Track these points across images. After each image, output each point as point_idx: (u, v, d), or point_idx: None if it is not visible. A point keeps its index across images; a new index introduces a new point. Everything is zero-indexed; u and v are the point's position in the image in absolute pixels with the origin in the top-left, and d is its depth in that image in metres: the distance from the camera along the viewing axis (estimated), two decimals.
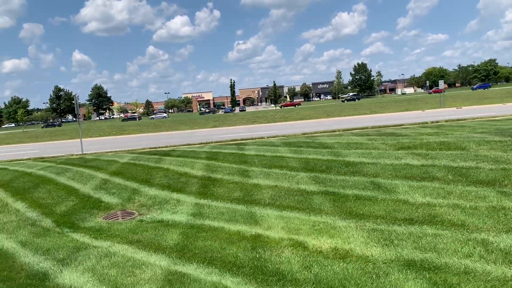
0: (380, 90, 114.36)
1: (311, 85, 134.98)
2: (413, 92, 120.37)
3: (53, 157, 15.70)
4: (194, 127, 32.01)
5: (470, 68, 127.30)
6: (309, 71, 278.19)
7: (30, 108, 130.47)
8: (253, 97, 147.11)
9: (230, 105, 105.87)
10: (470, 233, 4.75)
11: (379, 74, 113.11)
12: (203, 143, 15.80)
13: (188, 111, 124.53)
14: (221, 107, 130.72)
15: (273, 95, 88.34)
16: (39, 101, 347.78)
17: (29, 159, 15.90)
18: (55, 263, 4.94)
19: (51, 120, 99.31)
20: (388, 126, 16.31)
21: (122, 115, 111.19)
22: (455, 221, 5.19)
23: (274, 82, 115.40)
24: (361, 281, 3.74)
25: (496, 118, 16.42)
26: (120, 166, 10.83)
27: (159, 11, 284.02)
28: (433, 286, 3.60)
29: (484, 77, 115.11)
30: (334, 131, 16.07)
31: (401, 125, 16.66)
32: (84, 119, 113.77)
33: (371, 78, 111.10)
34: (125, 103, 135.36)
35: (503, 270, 3.80)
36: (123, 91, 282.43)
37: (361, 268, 4.01)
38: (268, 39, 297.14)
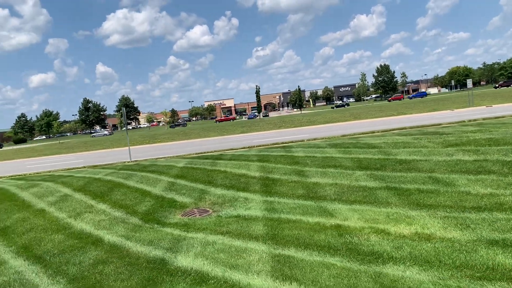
0: (403, 91, 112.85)
1: (333, 88, 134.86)
2: (437, 92, 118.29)
3: (106, 164, 16.72)
4: (223, 134, 32.80)
5: (496, 65, 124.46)
6: (328, 74, 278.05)
7: (59, 120, 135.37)
8: (274, 102, 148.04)
9: (253, 111, 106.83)
10: None
11: (404, 75, 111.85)
12: (246, 147, 16.51)
13: (212, 118, 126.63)
14: (243, 113, 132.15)
15: (298, 99, 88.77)
16: (65, 113, 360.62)
17: (84, 167, 16.98)
18: (165, 251, 5.67)
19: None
20: (426, 126, 16.62)
21: (148, 124, 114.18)
22: None
23: (298, 86, 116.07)
24: (454, 255, 4.29)
25: None
26: (180, 170, 11.62)
27: (179, 21, 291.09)
28: None
29: (511, 74, 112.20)
30: (373, 132, 16.48)
31: (439, 124, 16.92)
32: (114, 129, 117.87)
33: (395, 80, 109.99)
34: (149, 112, 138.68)
35: None
36: (145, 100, 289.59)
37: (450, 246, 4.56)
38: (286, 44, 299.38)
